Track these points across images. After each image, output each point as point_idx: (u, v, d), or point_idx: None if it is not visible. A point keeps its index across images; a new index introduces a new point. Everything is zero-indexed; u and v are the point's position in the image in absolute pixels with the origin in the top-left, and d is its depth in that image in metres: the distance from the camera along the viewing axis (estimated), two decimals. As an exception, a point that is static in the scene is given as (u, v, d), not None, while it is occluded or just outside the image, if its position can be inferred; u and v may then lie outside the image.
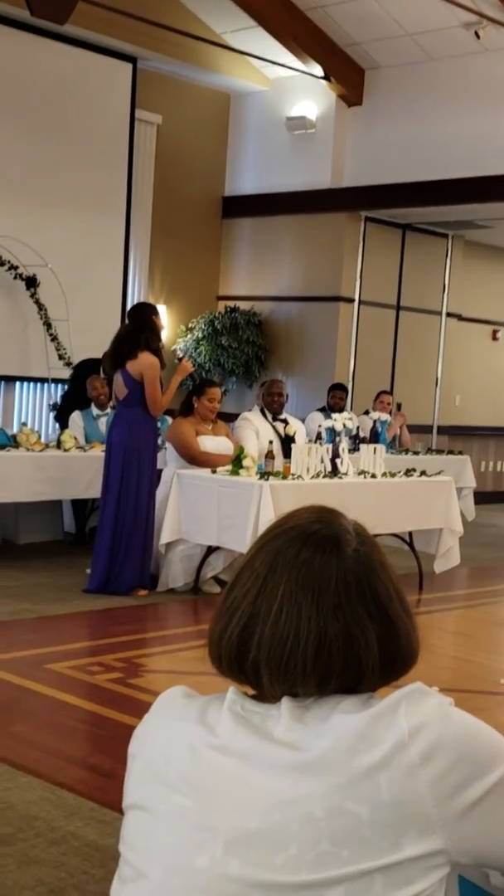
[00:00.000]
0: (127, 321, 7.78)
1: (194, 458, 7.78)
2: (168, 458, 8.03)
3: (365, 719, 1.39)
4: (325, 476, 7.64)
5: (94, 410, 9.29)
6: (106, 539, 7.30)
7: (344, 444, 8.11)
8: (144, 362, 7.22)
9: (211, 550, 7.49)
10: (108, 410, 9.13)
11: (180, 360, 7.74)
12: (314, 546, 1.48)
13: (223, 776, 1.42)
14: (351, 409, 11.67)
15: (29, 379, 11.35)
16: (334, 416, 8.80)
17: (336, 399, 10.92)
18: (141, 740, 1.55)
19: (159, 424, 8.39)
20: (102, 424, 9.11)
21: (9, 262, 10.70)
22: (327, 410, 10.64)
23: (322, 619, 1.43)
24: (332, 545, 1.48)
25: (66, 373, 10.75)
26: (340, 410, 10.60)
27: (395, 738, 1.36)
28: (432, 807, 1.35)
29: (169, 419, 8.69)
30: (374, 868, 1.34)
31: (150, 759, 1.50)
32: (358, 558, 1.48)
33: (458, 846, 1.37)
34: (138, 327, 7.34)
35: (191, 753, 1.45)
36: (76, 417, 9.25)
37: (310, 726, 1.41)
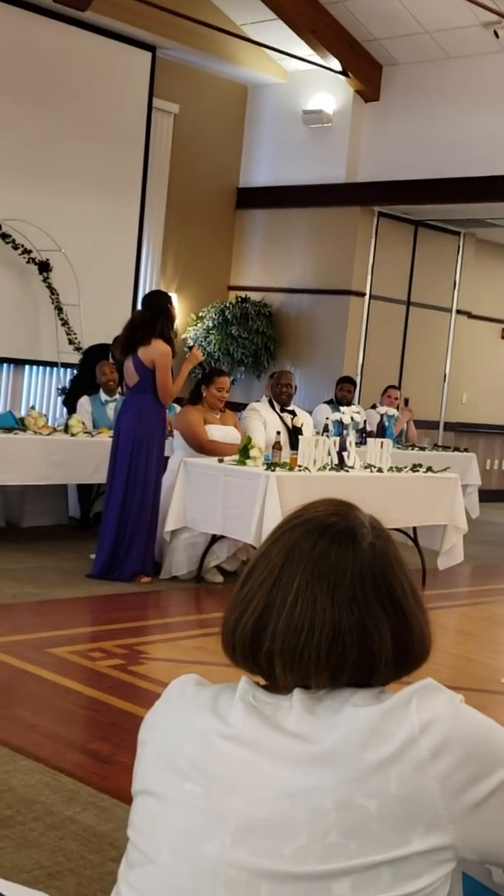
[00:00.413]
0: (142, 308, 7.76)
1: (202, 446, 7.78)
2: (175, 446, 8.04)
3: (376, 713, 1.39)
4: (331, 469, 7.64)
5: (103, 396, 9.29)
6: (111, 525, 7.30)
7: (351, 438, 8.11)
8: (157, 350, 7.22)
9: (215, 539, 7.49)
10: (117, 396, 9.13)
11: (191, 348, 7.72)
12: (331, 538, 1.48)
13: (234, 765, 1.43)
14: (358, 402, 11.67)
15: (38, 363, 11.36)
16: (342, 409, 8.80)
17: (344, 392, 10.91)
18: (152, 727, 1.55)
19: (167, 412, 8.40)
20: (110, 410, 9.11)
21: (22, 245, 10.71)
22: (335, 403, 10.65)
23: (337, 612, 1.44)
24: (349, 538, 1.49)
25: (75, 357, 10.76)
26: (348, 403, 10.61)
27: (406, 733, 1.37)
28: (440, 802, 1.36)
29: (177, 407, 8.69)
30: (381, 861, 1.35)
31: (161, 745, 1.50)
32: (374, 552, 1.48)
33: (465, 842, 1.38)
34: (154, 314, 7.33)
35: (202, 741, 1.46)
36: (84, 402, 9.25)
37: (321, 718, 1.42)
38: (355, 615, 1.44)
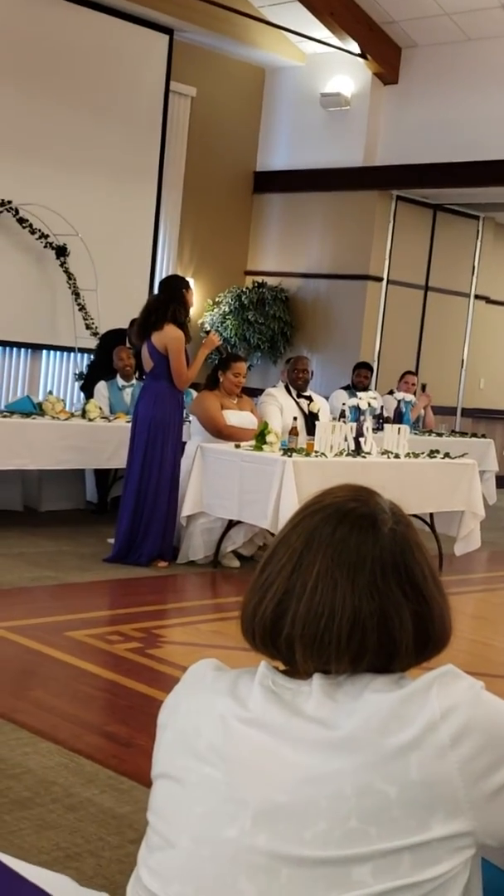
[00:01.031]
0: (157, 292, 7.75)
1: (220, 431, 7.78)
2: (192, 431, 8.04)
3: (397, 699, 1.40)
4: (348, 454, 7.64)
5: (120, 381, 9.30)
6: (128, 510, 7.33)
7: (368, 423, 8.10)
8: (169, 335, 7.20)
9: (232, 524, 7.50)
10: (134, 381, 9.14)
11: (208, 333, 7.70)
12: (351, 524, 1.48)
13: (253, 749, 1.43)
14: (376, 388, 11.65)
15: (56, 348, 11.38)
16: (359, 394, 8.79)
17: (361, 377, 10.90)
18: (171, 711, 1.56)
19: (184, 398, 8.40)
20: (127, 395, 9.12)
21: (39, 230, 10.71)
22: (352, 388, 10.63)
23: (357, 597, 1.44)
24: (369, 524, 1.49)
25: (92, 342, 10.77)
26: (365, 389, 10.59)
27: (427, 718, 1.37)
28: (461, 788, 1.36)
29: (194, 392, 8.69)
30: (401, 847, 1.35)
31: (181, 729, 1.51)
32: (394, 537, 1.48)
33: (486, 828, 1.38)
34: (167, 298, 7.31)
35: (221, 725, 1.47)
36: (101, 388, 9.26)
37: (341, 703, 1.42)
38: (376, 601, 1.44)
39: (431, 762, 1.36)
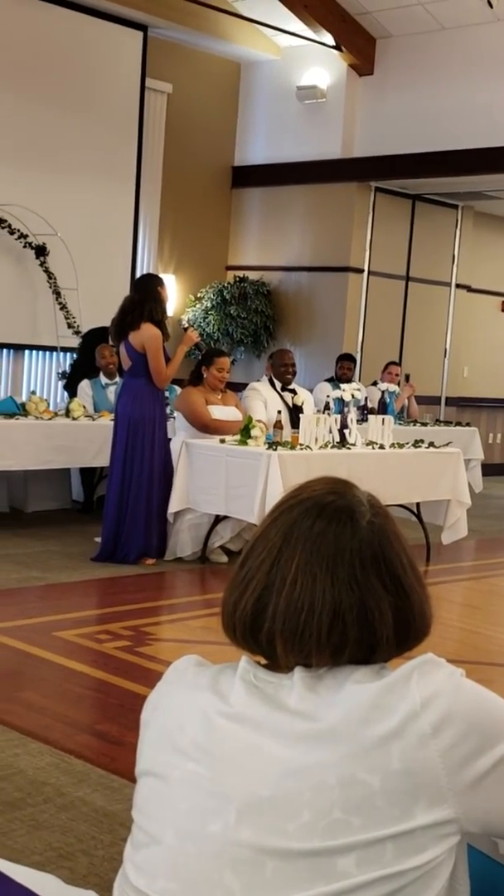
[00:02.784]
0: (132, 292, 7.76)
1: (206, 426, 7.78)
2: (177, 428, 8.04)
3: (377, 689, 1.40)
4: (333, 446, 7.64)
5: (103, 379, 9.29)
6: (112, 509, 7.34)
7: (352, 415, 8.11)
8: (146, 334, 7.21)
9: (219, 520, 7.50)
10: (117, 379, 9.13)
11: (186, 329, 7.69)
12: (329, 517, 1.48)
13: (236, 744, 1.44)
14: (359, 379, 11.67)
15: (38, 347, 11.35)
16: (343, 386, 8.80)
17: (344, 369, 10.90)
18: (154, 708, 1.56)
19: (167, 394, 8.39)
20: (111, 393, 9.11)
21: (18, 230, 10.68)
22: (335, 381, 10.64)
23: (337, 591, 1.44)
24: (347, 516, 1.49)
25: (75, 341, 10.75)
26: (349, 381, 10.60)
27: (408, 708, 1.38)
28: (443, 776, 1.37)
29: (177, 388, 8.68)
30: (385, 836, 1.36)
31: (163, 726, 1.51)
32: (372, 529, 1.49)
33: (469, 815, 1.38)
34: (142, 298, 7.32)
35: (203, 721, 1.47)
36: (85, 386, 9.25)
37: (322, 696, 1.43)
38: (355, 593, 1.44)
39: (413, 751, 1.36)
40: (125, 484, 7.30)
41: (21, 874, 1.65)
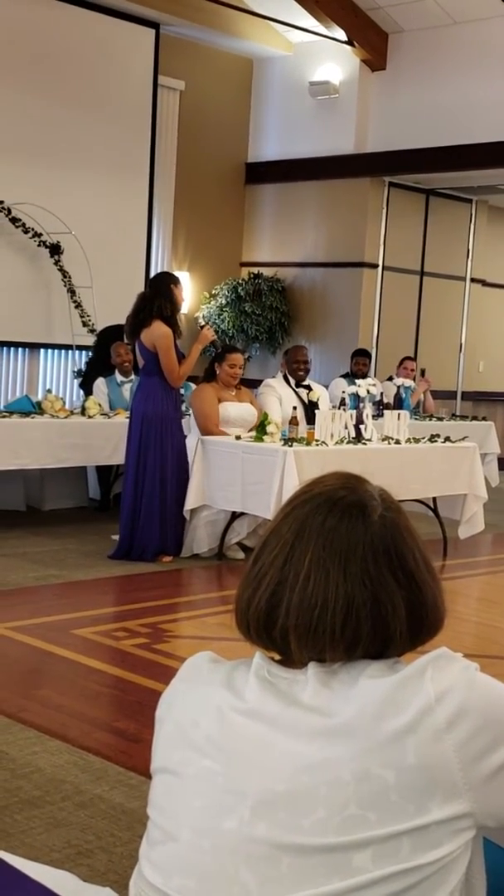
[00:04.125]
0: (146, 289, 7.75)
1: (210, 432, 7.73)
2: (192, 425, 8.04)
3: (392, 684, 1.40)
4: (348, 442, 7.64)
5: (118, 377, 9.30)
6: (127, 506, 7.35)
7: (368, 410, 8.10)
8: (156, 332, 7.19)
9: (235, 516, 7.51)
10: (132, 377, 9.14)
11: (202, 327, 7.68)
12: (341, 512, 1.48)
13: (251, 740, 1.44)
14: (374, 375, 11.64)
15: (53, 346, 11.37)
16: (358, 381, 8.78)
17: (360, 365, 10.89)
18: (168, 704, 1.56)
19: (183, 391, 8.39)
20: (126, 391, 9.12)
21: (32, 229, 10.70)
22: (351, 377, 10.62)
23: (349, 585, 1.44)
24: (359, 511, 1.49)
25: (90, 339, 10.77)
26: (364, 376, 10.59)
27: (422, 702, 1.38)
28: (458, 771, 1.36)
29: (193, 385, 8.68)
30: (401, 831, 1.35)
31: (178, 722, 1.52)
32: (384, 524, 1.48)
33: (484, 809, 1.38)
34: (153, 294, 7.32)
35: (218, 717, 1.47)
36: (100, 384, 9.26)
37: (336, 691, 1.42)
38: (368, 588, 1.44)
39: (428, 746, 1.36)
40: (139, 482, 7.31)
41: (38, 872, 1.66)
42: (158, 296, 7.26)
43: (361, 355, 11.06)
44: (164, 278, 7.55)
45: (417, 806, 1.36)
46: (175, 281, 7.48)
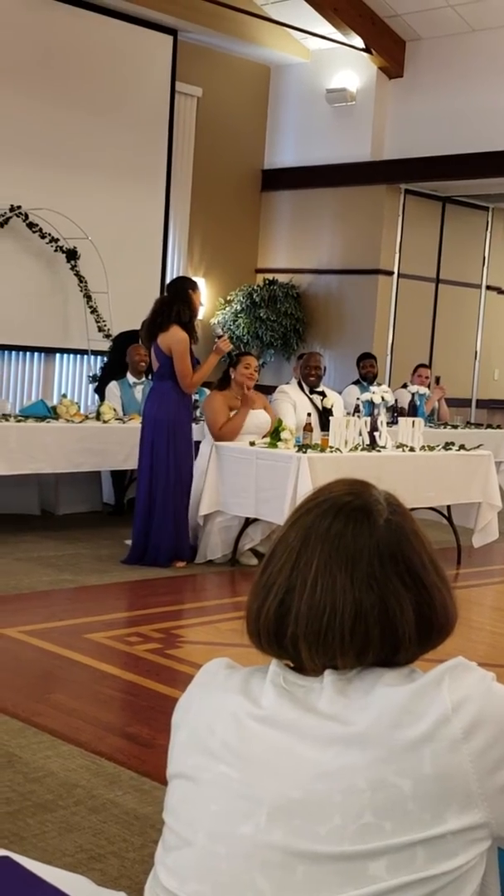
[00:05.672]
0: (164, 294, 7.75)
1: (219, 438, 7.71)
2: (206, 432, 8.03)
3: (409, 693, 1.40)
4: (363, 449, 7.63)
5: (131, 378, 9.27)
6: (141, 511, 7.35)
7: (382, 417, 8.09)
8: (173, 337, 7.18)
9: (249, 522, 7.51)
10: (144, 380, 9.15)
11: (219, 338, 7.65)
12: (346, 518, 1.48)
13: (267, 747, 1.44)
14: (389, 382, 11.63)
15: (69, 351, 11.41)
16: (372, 388, 8.77)
17: (367, 368, 10.90)
18: (185, 711, 1.57)
19: (196, 397, 8.39)
20: (138, 392, 9.13)
21: (49, 234, 10.74)
22: (361, 382, 10.63)
23: (357, 590, 1.44)
24: (364, 516, 1.49)
25: (105, 345, 10.80)
26: (374, 378, 10.61)
27: (439, 712, 1.37)
28: (474, 781, 1.36)
29: (207, 391, 8.68)
30: (416, 840, 1.35)
31: (194, 729, 1.52)
32: (390, 528, 1.48)
33: (500, 820, 1.38)
34: (171, 299, 7.32)
35: (234, 724, 1.47)
36: (113, 387, 9.27)
37: (353, 699, 1.43)
38: (376, 592, 1.44)
39: (444, 755, 1.36)
40: (152, 486, 7.31)
41: (53, 875, 1.66)
42: (177, 301, 7.25)
43: (366, 358, 11.10)
44: (183, 283, 7.54)
45: (433, 815, 1.36)
46: (193, 286, 7.48)
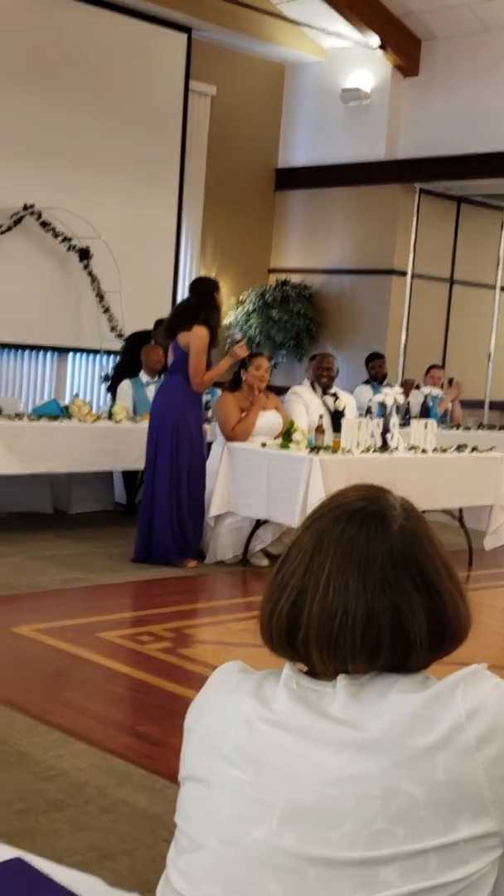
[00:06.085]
0: (189, 294, 7.70)
1: (231, 438, 7.71)
2: (217, 431, 8.03)
3: (423, 700, 1.40)
4: (375, 451, 7.62)
5: (143, 377, 9.27)
6: (145, 506, 7.38)
7: (395, 419, 8.07)
8: (194, 333, 7.19)
9: (260, 523, 7.51)
10: (156, 378, 9.14)
11: (237, 341, 7.65)
12: (359, 522, 1.49)
13: (279, 751, 1.44)
14: (401, 383, 11.61)
15: (81, 350, 11.42)
16: (384, 390, 8.76)
17: (376, 368, 10.90)
18: (197, 714, 1.57)
19: (208, 396, 8.39)
20: (151, 392, 9.11)
21: (62, 234, 10.76)
22: (371, 382, 10.62)
23: (369, 595, 1.44)
24: (378, 521, 1.49)
25: (117, 344, 10.81)
26: (384, 377, 10.61)
27: (453, 719, 1.37)
28: (487, 789, 1.36)
29: (219, 391, 8.67)
30: (428, 848, 1.35)
31: (207, 732, 1.52)
32: (404, 533, 1.48)
33: None
34: (199, 303, 7.30)
35: (247, 727, 1.47)
36: (125, 386, 9.27)
37: (366, 705, 1.42)
38: (388, 597, 1.44)
39: (458, 763, 1.36)
40: (156, 483, 7.32)
41: (64, 875, 1.66)
42: (205, 305, 7.24)
43: (375, 358, 11.09)
44: (208, 285, 7.49)
45: (445, 823, 1.35)
46: (217, 288, 7.48)
